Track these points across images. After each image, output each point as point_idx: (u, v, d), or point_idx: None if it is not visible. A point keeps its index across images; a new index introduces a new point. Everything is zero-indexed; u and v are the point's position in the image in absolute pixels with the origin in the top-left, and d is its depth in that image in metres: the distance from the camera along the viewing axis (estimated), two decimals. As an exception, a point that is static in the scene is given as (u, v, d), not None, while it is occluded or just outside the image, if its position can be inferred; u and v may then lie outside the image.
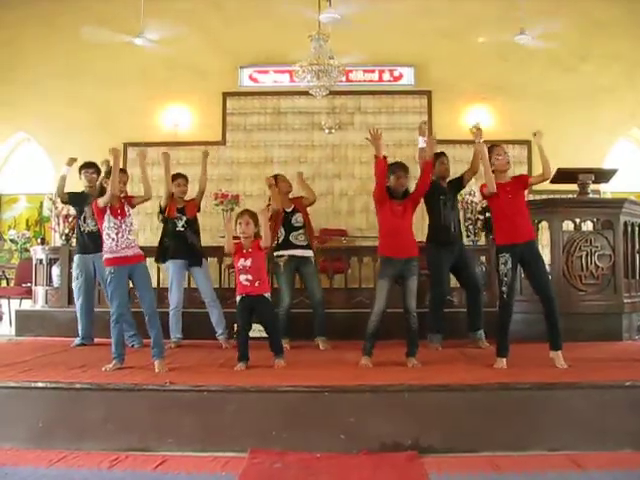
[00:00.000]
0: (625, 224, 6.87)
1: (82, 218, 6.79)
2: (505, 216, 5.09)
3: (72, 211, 8.34)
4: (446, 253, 6.32)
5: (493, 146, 5.25)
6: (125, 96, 10.36)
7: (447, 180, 6.49)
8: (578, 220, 6.84)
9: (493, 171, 5.12)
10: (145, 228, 10.21)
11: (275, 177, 6.75)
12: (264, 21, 10.34)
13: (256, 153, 10.66)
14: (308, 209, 6.73)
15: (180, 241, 6.64)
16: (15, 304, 9.07)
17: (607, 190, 9.39)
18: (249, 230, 5.24)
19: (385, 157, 5.33)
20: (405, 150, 10.14)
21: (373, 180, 9.24)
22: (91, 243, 6.64)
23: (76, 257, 6.86)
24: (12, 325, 8.27)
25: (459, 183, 6.46)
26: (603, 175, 7.46)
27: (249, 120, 10.72)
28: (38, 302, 8.18)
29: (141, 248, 5.33)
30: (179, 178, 6.78)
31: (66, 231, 8.20)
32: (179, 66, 10.47)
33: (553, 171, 6.82)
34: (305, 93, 9.52)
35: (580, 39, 10.32)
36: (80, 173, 6.83)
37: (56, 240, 9.14)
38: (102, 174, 5.52)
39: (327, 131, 10.53)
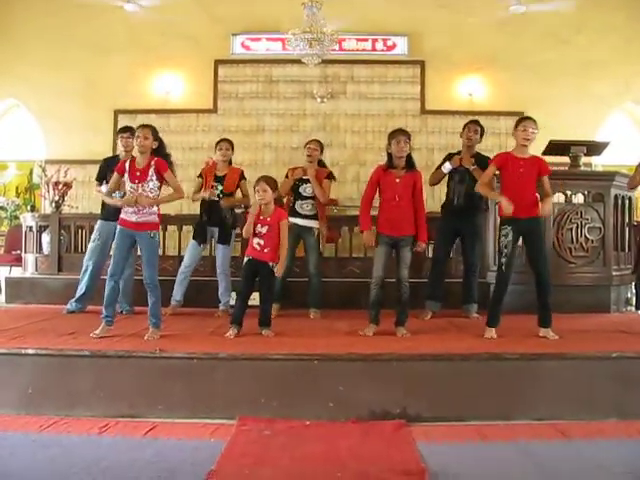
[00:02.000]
0: (616, 197, 6.88)
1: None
2: (511, 189, 5.03)
3: (62, 178, 8.33)
4: (447, 222, 6.39)
5: (523, 118, 5.17)
6: (116, 63, 10.25)
7: (474, 152, 6.42)
8: (569, 192, 6.85)
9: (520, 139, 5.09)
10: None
11: (310, 142, 6.79)
12: (257, -13, 10.22)
13: (248, 121, 10.58)
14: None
15: (212, 210, 6.58)
16: (5, 271, 9.04)
17: (599, 163, 9.38)
18: (267, 196, 5.20)
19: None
20: (397, 120, 10.09)
21: (364, 149, 9.24)
22: (114, 211, 6.55)
23: (99, 222, 6.74)
24: (2, 292, 8.25)
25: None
26: (595, 148, 7.45)
27: (241, 88, 10.61)
28: (28, 269, 8.15)
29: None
30: (223, 142, 6.68)
31: (56, 198, 8.14)
32: (171, 33, 10.33)
33: (546, 142, 6.88)
34: (298, 61, 9.45)
35: (575, 11, 10.22)
36: (117, 138, 6.80)
37: (46, 207, 9.09)
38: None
39: (319, 100, 10.46)
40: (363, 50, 10.58)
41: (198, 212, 6.74)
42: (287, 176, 6.70)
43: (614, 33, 10.20)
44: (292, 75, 10.56)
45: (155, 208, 5.05)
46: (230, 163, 6.77)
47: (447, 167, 6.36)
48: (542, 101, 9.88)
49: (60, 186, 8.17)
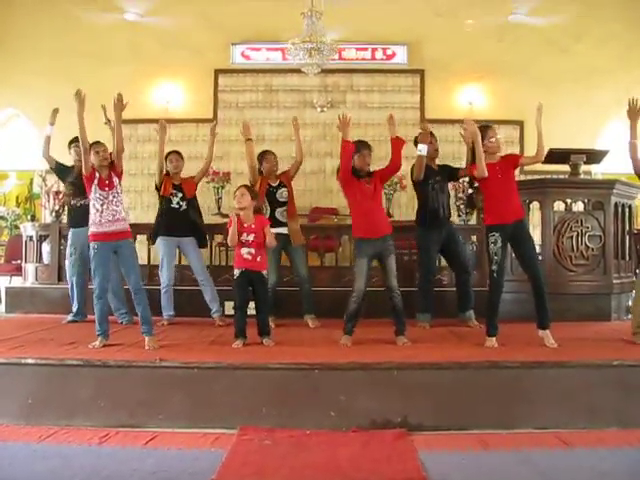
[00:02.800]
0: (616, 205, 6.89)
1: (72, 192, 6.72)
2: (495, 196, 5.08)
3: (62, 187, 8.33)
4: (434, 235, 6.33)
5: (487, 127, 5.20)
6: (116, 72, 10.21)
7: (437, 163, 6.45)
8: (569, 201, 6.86)
9: (484, 151, 5.10)
10: (136, 206, 10.20)
11: (264, 153, 6.71)
12: (257, -3, 10.24)
13: (247, 131, 10.56)
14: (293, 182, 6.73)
15: (173, 218, 6.59)
16: (5, 281, 9.04)
17: (598, 171, 9.38)
18: (244, 200, 5.23)
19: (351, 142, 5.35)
20: (397, 129, 10.07)
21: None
22: (81, 216, 6.53)
23: (70, 232, 6.80)
24: (2, 302, 8.24)
25: (453, 174, 6.44)
26: (595, 156, 7.46)
27: (241, 98, 10.63)
28: (28, 279, 8.15)
29: (130, 225, 5.34)
30: (171, 154, 6.76)
31: (56, 208, 8.14)
32: (170, 42, 10.35)
33: (545, 152, 6.86)
34: (297, 71, 9.47)
35: (575, 20, 10.25)
36: (70, 148, 6.81)
37: (46, 217, 9.08)
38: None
39: (319, 109, 10.48)
40: (363, 59, 10.61)
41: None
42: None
43: (614, 41, 10.22)
44: (292, 84, 10.58)
45: (124, 213, 5.24)
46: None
47: (423, 148, 5.94)
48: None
49: (60, 196, 8.17)
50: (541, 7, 10.13)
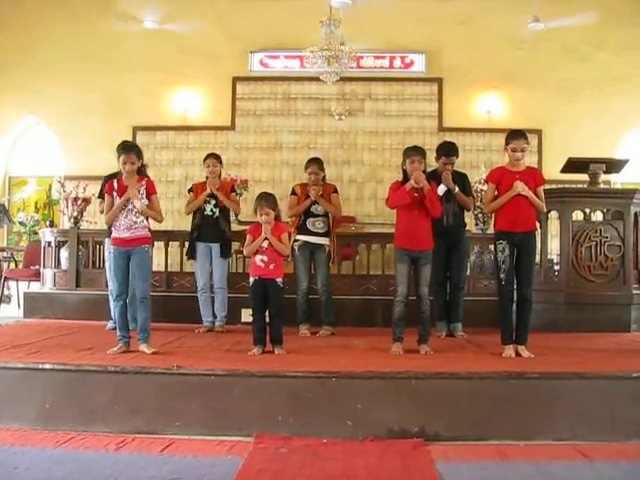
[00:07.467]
0: (635, 215, 6.83)
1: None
2: (509, 203, 4.99)
3: (81, 194, 8.37)
4: (439, 242, 6.26)
5: (512, 136, 5.09)
6: (135, 80, 10.34)
7: (454, 169, 6.40)
8: (588, 210, 6.83)
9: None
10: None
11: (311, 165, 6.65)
12: (275, 5, 10.28)
13: (265, 138, 10.62)
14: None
15: (207, 224, 6.60)
16: (23, 286, 9.10)
17: (617, 180, 9.33)
18: (271, 219, 5.13)
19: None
20: (415, 138, 10.10)
21: (382, 167, 9.17)
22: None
23: (107, 240, 6.75)
24: (20, 307, 8.30)
25: (463, 190, 6.34)
26: (615, 165, 7.41)
27: (259, 105, 10.67)
28: (46, 284, 8.19)
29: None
30: (209, 159, 6.71)
31: (75, 214, 8.20)
32: (189, 50, 10.42)
33: (564, 160, 6.86)
34: (315, 79, 9.51)
35: (596, 27, 10.20)
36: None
37: (64, 223, 9.16)
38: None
39: (337, 117, 10.49)
40: (381, 67, 10.62)
41: (189, 228, 6.83)
42: (294, 192, 6.63)
43: (634, 49, 10.15)
44: (310, 92, 10.61)
45: (145, 222, 5.12)
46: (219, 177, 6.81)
47: (442, 189, 6.07)
48: (561, 118, 9.86)
49: (79, 202, 8.23)
50: (561, 15, 10.09)
